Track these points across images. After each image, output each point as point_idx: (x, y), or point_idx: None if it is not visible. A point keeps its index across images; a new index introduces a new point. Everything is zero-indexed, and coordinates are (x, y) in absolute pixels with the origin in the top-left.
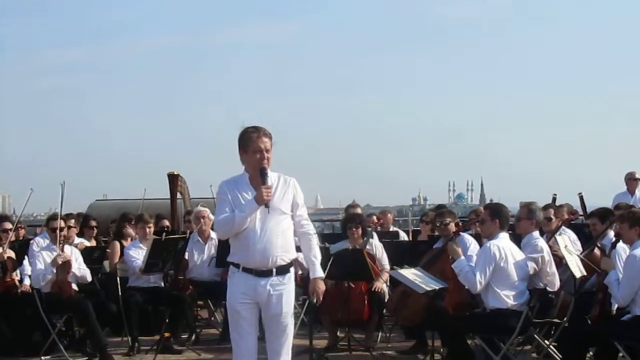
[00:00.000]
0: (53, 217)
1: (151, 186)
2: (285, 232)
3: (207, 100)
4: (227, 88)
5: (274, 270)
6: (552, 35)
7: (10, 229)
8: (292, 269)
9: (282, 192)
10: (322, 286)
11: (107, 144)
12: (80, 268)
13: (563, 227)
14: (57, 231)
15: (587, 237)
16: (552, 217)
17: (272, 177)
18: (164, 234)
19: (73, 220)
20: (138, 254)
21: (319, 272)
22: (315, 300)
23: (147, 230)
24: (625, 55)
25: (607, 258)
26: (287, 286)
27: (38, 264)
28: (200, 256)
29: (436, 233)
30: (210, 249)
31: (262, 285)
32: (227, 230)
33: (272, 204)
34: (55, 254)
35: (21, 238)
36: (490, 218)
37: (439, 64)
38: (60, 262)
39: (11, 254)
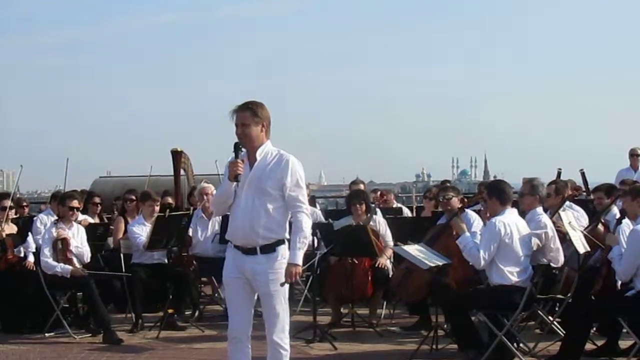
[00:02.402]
0: (69, 196)
1: (154, 163)
2: (272, 211)
3: (209, 75)
4: (228, 63)
5: (258, 249)
6: (553, 9)
7: (11, 207)
8: (279, 249)
9: (270, 171)
10: (296, 270)
11: (110, 122)
12: (77, 246)
13: (569, 202)
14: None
15: (591, 213)
16: (556, 193)
17: (269, 153)
18: (167, 210)
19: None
20: (142, 231)
21: (296, 259)
22: (282, 284)
23: (155, 208)
24: (627, 32)
25: (611, 234)
26: (272, 265)
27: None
28: (204, 232)
29: (440, 209)
30: (214, 225)
31: (248, 263)
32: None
33: (256, 182)
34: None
35: (25, 215)
36: (489, 197)
37: (442, 40)
38: (58, 240)
39: (12, 230)
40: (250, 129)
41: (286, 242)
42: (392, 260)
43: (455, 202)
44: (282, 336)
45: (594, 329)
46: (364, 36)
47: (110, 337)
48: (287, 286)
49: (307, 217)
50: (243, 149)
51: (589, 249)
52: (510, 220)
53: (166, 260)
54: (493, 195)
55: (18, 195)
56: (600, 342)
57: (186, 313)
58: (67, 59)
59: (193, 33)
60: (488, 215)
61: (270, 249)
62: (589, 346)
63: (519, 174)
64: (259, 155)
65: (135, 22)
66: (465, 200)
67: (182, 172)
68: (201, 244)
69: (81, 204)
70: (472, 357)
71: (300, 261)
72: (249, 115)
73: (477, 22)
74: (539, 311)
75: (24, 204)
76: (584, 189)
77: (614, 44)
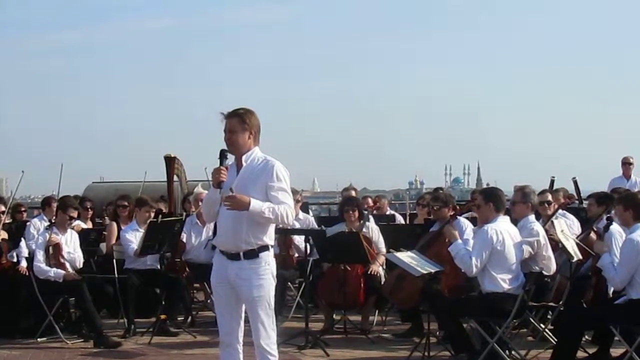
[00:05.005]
0: (70, 204)
1: (148, 169)
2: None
3: (207, 81)
4: (224, 70)
5: (242, 254)
6: (552, 16)
7: (3, 212)
8: (262, 255)
9: (256, 177)
10: (242, 199)
11: (104, 127)
12: (69, 252)
13: (562, 210)
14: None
15: (583, 221)
16: (550, 200)
17: (256, 159)
18: (160, 216)
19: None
20: (134, 237)
21: (254, 201)
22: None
23: (151, 214)
24: (619, 39)
25: (599, 241)
26: (256, 270)
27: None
28: (197, 238)
29: (432, 216)
30: (208, 231)
31: (231, 268)
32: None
33: (241, 189)
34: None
35: (24, 220)
36: (485, 202)
37: (437, 47)
38: (50, 246)
39: (4, 235)
40: (237, 136)
41: (270, 249)
42: (384, 267)
43: (445, 212)
44: (268, 342)
45: (586, 336)
46: (362, 44)
47: (105, 342)
48: (272, 292)
49: (289, 211)
50: (229, 156)
51: (581, 257)
52: (502, 228)
53: (159, 266)
54: (490, 201)
55: (18, 201)
56: (592, 350)
57: (179, 319)
58: (63, 63)
59: (192, 38)
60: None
61: (253, 254)
62: (580, 354)
63: (512, 182)
64: (244, 161)
65: (133, 27)
66: (458, 207)
67: (175, 178)
68: (194, 249)
69: (76, 213)
70: None
71: (254, 204)
72: (237, 122)
73: (474, 27)
74: (531, 319)
75: (22, 209)
76: (576, 197)
77: (611, 49)
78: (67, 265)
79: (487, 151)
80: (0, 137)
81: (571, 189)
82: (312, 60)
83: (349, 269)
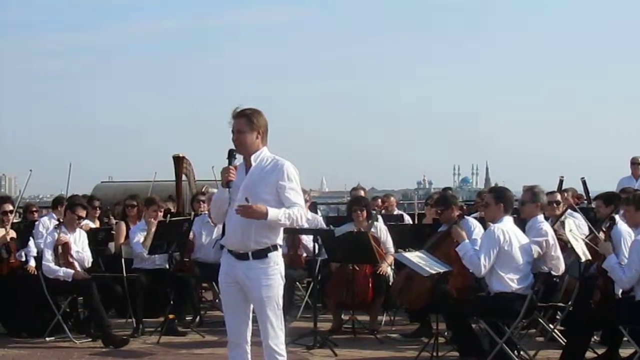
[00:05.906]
0: (78, 204)
1: (156, 169)
2: None
3: (209, 81)
4: (228, 71)
5: (250, 254)
6: (553, 18)
7: (11, 211)
8: (271, 255)
9: (265, 176)
10: (259, 209)
11: (111, 127)
12: (78, 251)
13: (570, 210)
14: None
15: (592, 222)
16: (560, 200)
17: (265, 159)
18: (168, 216)
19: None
20: (143, 237)
21: (270, 210)
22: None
23: (159, 214)
24: (626, 39)
25: (604, 242)
26: (265, 271)
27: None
28: (208, 237)
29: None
30: (219, 230)
31: (239, 268)
32: (212, 215)
33: (250, 188)
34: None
35: (35, 220)
36: (495, 202)
37: (441, 48)
38: (59, 245)
39: (13, 234)
40: (244, 136)
41: (279, 249)
42: (393, 267)
43: (449, 214)
44: (277, 342)
45: (595, 337)
46: (365, 44)
47: (113, 341)
48: (280, 292)
49: (302, 212)
50: (238, 155)
51: (590, 257)
52: (508, 228)
53: (167, 266)
54: (501, 202)
55: (28, 201)
56: (601, 351)
57: (187, 318)
58: (67, 64)
59: (193, 39)
60: (486, 220)
61: (262, 254)
62: (589, 354)
63: (520, 182)
64: (253, 161)
65: (135, 28)
66: (465, 207)
67: (183, 177)
68: (204, 248)
69: (84, 213)
70: None
71: (272, 214)
72: (245, 122)
73: (476, 28)
74: (539, 319)
75: (34, 209)
76: (585, 198)
77: (615, 49)
78: (76, 264)
79: (496, 151)
80: (7, 137)
81: (580, 189)
82: (316, 62)
83: (357, 268)
